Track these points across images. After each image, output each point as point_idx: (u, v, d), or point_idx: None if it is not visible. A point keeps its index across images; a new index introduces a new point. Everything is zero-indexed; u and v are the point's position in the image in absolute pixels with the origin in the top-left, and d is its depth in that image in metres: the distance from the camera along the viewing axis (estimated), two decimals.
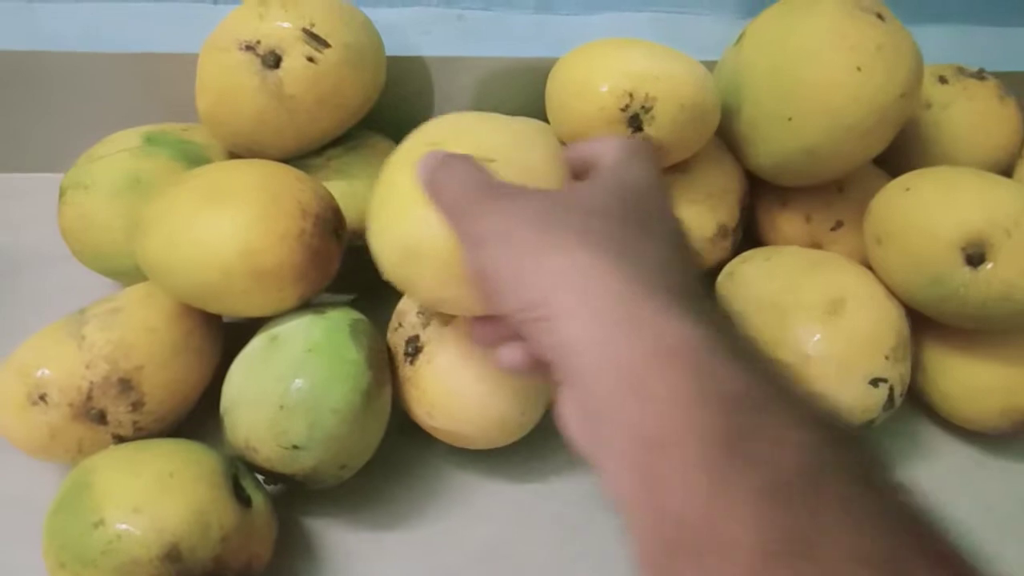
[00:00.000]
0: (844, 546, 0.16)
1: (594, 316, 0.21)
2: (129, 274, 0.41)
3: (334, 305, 0.37)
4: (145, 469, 0.30)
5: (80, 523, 0.29)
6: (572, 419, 0.23)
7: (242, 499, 0.32)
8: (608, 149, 0.28)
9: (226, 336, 0.39)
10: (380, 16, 0.43)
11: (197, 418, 0.38)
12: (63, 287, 0.44)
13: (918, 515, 0.18)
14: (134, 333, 0.35)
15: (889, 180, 0.41)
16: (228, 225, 0.33)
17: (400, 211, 0.30)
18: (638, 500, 0.19)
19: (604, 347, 0.21)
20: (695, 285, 0.24)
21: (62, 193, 0.42)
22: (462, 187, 0.26)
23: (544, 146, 0.32)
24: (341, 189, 0.41)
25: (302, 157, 0.43)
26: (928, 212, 0.37)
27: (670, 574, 0.18)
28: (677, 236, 0.26)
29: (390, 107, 0.44)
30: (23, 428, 0.33)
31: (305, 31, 0.37)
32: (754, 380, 0.19)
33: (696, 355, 0.20)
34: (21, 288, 0.46)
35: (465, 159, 0.27)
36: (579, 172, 0.30)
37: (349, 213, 0.38)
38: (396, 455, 0.38)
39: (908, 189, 0.38)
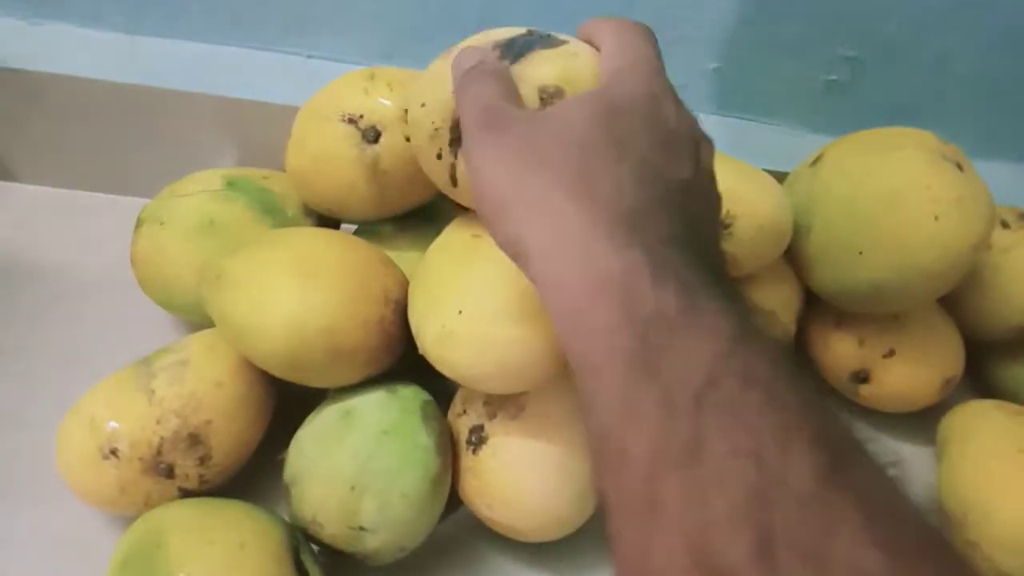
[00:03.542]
0: (726, 445, 0.18)
1: (554, 255, 0.22)
2: (189, 311, 0.42)
3: (402, 382, 0.37)
4: (218, 537, 0.31)
5: None
6: None
7: (302, 574, 0.32)
8: (606, 56, 0.28)
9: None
10: None
11: (248, 469, 0.39)
12: (126, 312, 0.45)
13: (805, 402, 0.19)
14: (203, 387, 0.35)
15: (945, 317, 0.43)
16: (317, 302, 0.34)
17: (437, 296, 0.33)
18: (585, 421, 0.21)
19: (559, 284, 0.22)
20: (654, 203, 0.23)
21: (139, 224, 0.42)
22: (477, 108, 0.27)
23: None
24: (414, 259, 0.41)
25: (378, 223, 0.44)
26: None
27: (599, 483, 0.20)
28: (655, 150, 0.25)
29: None
30: (93, 482, 0.34)
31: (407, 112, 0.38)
32: (677, 299, 0.20)
33: (626, 283, 0.21)
34: (86, 309, 0.46)
35: (495, 79, 0.27)
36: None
37: None
38: (444, 535, 0.38)
39: None
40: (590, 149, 0.24)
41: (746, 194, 0.39)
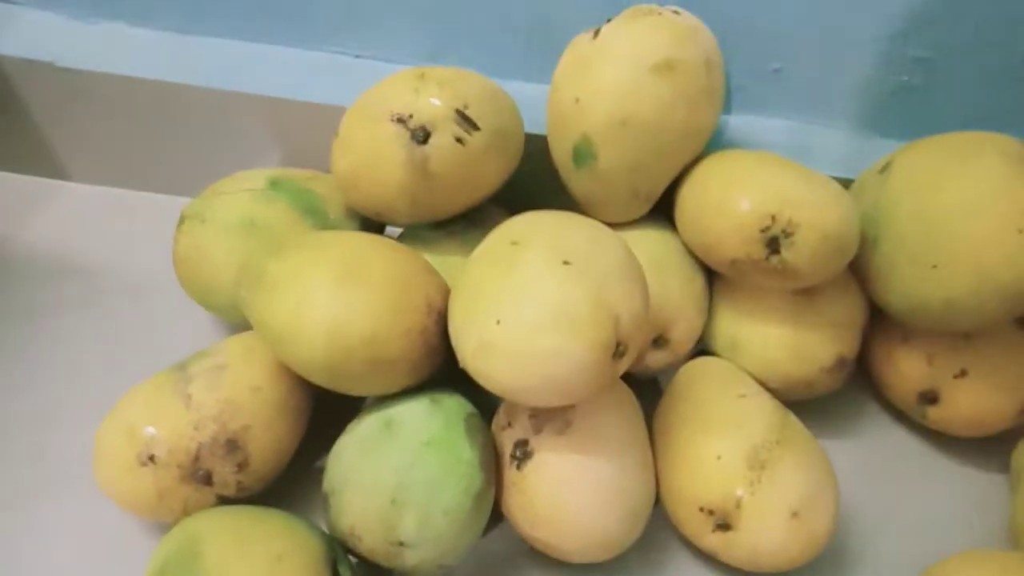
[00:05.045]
0: None
1: None
2: (226, 311, 0.42)
3: (446, 392, 0.36)
4: (255, 548, 0.30)
5: None
6: None
7: None
8: None
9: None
10: (514, 89, 0.43)
11: (284, 475, 0.38)
12: (168, 313, 0.45)
13: None
14: (240, 393, 0.35)
15: (1021, 333, 0.40)
16: (358, 310, 0.33)
17: (474, 306, 0.32)
18: None
19: None
20: None
21: (181, 221, 0.42)
22: None
23: (619, 250, 0.34)
24: (461, 265, 0.40)
25: (424, 227, 0.43)
26: None
27: None
28: None
29: (512, 180, 0.44)
30: (131, 489, 0.33)
31: (458, 112, 0.37)
32: None
33: None
34: (128, 308, 0.46)
35: None
36: None
37: None
38: (484, 551, 0.37)
39: None
40: None
41: (810, 200, 0.37)
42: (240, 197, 0.42)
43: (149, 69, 0.45)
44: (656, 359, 0.42)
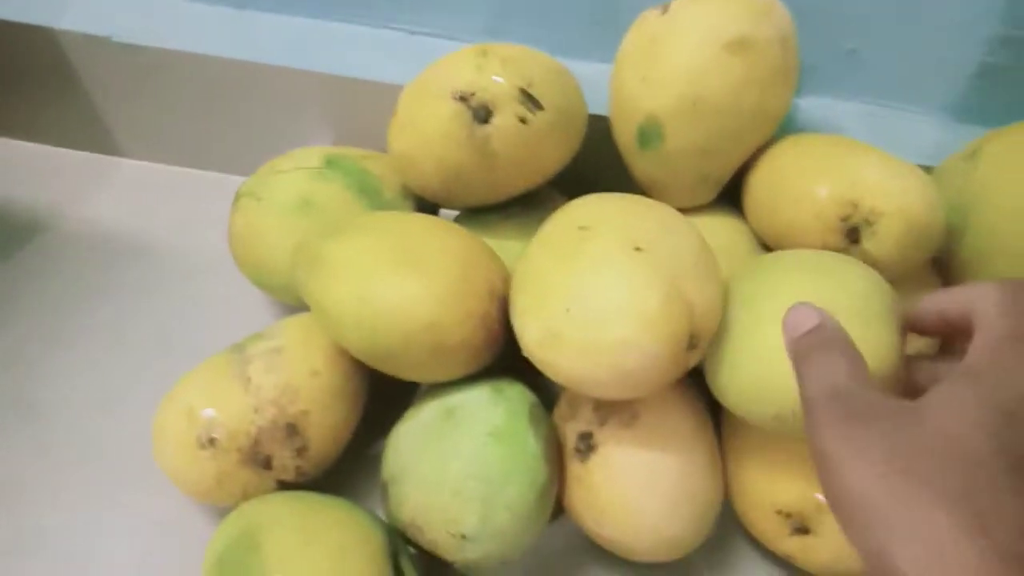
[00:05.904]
0: None
1: None
2: (281, 292, 0.41)
3: (507, 380, 0.35)
4: (317, 539, 0.29)
5: None
6: None
7: None
8: (986, 334, 0.24)
9: None
10: (573, 68, 0.41)
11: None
12: (227, 292, 0.45)
13: None
14: (299, 376, 0.34)
15: None
16: (419, 295, 0.31)
17: (541, 294, 0.31)
18: None
19: None
20: None
21: (236, 199, 0.42)
22: (825, 390, 0.24)
23: (692, 236, 0.32)
24: (518, 250, 0.39)
25: (480, 209, 0.41)
26: None
27: None
28: None
29: (570, 163, 0.42)
30: (191, 472, 0.33)
31: (522, 91, 0.36)
32: None
33: None
34: (186, 287, 0.46)
35: (843, 352, 0.25)
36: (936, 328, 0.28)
37: None
38: (545, 545, 0.36)
39: None
40: (979, 469, 0.21)
41: (894, 189, 0.35)
42: (296, 175, 0.41)
43: (205, 45, 0.45)
44: None
